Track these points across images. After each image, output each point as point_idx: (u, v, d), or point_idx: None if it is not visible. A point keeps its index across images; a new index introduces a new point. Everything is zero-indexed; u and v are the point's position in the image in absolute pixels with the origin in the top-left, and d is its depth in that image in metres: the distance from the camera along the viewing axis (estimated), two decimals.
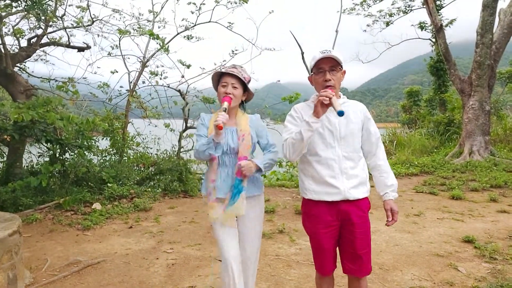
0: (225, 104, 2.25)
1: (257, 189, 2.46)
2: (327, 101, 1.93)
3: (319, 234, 2.17)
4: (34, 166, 6.54)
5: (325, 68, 2.09)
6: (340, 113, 1.86)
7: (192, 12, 8.34)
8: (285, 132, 2.17)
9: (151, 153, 8.11)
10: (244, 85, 2.40)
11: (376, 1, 14.86)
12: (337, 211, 2.13)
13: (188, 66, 8.28)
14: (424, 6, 11.22)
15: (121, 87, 8.63)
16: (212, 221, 2.40)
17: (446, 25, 14.43)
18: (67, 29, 7.92)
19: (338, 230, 2.18)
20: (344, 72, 2.18)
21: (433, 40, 15.26)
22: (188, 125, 8.33)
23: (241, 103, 2.51)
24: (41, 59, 8.57)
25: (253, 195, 2.43)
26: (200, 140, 2.36)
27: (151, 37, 7.82)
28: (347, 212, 2.12)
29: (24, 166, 6.59)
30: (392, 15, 15.28)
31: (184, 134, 8.37)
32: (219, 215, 2.37)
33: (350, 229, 2.13)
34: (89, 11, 7.97)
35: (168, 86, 8.52)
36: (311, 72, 2.18)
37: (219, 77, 2.44)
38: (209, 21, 8.50)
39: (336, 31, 10.02)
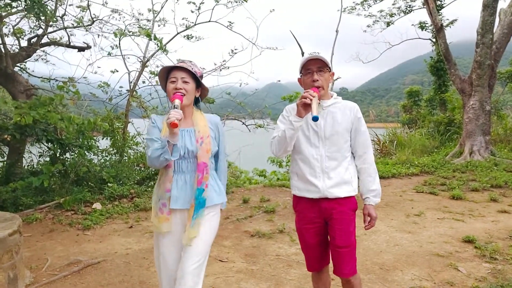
0: (176, 102, 1.97)
1: (210, 200, 2.15)
2: (308, 102, 1.99)
3: (302, 230, 2.29)
4: (35, 166, 6.54)
5: (313, 69, 2.17)
6: (314, 118, 1.93)
7: (192, 12, 8.34)
8: (275, 130, 2.28)
9: None
10: (196, 80, 2.14)
11: (376, 1, 14.86)
12: (319, 209, 2.21)
13: None
14: (425, 6, 11.22)
15: (121, 87, 8.63)
16: (160, 233, 2.13)
17: (447, 25, 14.43)
18: (67, 29, 7.92)
19: (324, 229, 2.26)
20: (333, 74, 2.27)
21: (434, 40, 15.24)
22: None
23: (195, 101, 2.24)
24: (42, 59, 8.58)
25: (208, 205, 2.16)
26: (153, 144, 2.01)
27: (149, 39, 7.82)
28: (328, 210, 2.19)
29: (24, 166, 6.59)
30: (393, 15, 15.28)
31: None
32: (179, 232, 2.10)
33: (331, 224, 2.20)
34: (89, 11, 7.98)
35: None
36: (300, 73, 2.26)
37: (166, 74, 2.16)
38: (209, 21, 8.50)
39: (337, 31, 10.04)
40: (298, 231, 2.33)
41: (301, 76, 2.25)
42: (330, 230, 2.21)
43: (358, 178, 2.29)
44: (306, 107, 2.01)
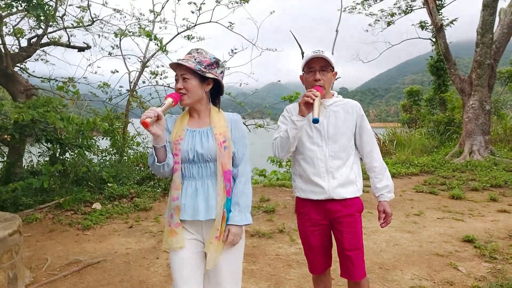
0: (167, 101, 1.78)
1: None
2: (310, 101, 1.94)
3: (306, 232, 2.20)
4: (34, 166, 6.55)
5: (316, 68, 2.10)
6: (315, 121, 1.89)
7: (193, 12, 8.34)
8: (276, 131, 2.22)
9: None
10: (198, 74, 1.85)
11: (376, 1, 14.85)
12: (324, 211, 2.14)
13: None
14: (425, 6, 11.22)
15: (121, 87, 8.64)
16: (171, 250, 1.89)
17: (447, 25, 14.43)
18: (67, 29, 7.92)
19: (329, 231, 2.20)
20: (336, 73, 2.19)
21: (433, 39, 15.25)
22: None
23: (213, 97, 1.97)
24: (41, 59, 8.57)
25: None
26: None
27: (149, 39, 7.82)
28: (334, 212, 2.13)
29: (24, 166, 6.59)
30: (394, 15, 15.28)
31: None
32: (193, 251, 1.86)
33: (338, 228, 2.14)
34: (90, 11, 7.98)
35: (169, 86, 8.52)
36: (303, 70, 2.20)
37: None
38: (210, 21, 8.50)
39: (336, 31, 10.04)
40: (301, 233, 2.24)
41: (303, 73, 2.19)
42: (337, 233, 2.16)
43: (368, 175, 2.25)
44: (309, 106, 1.96)
